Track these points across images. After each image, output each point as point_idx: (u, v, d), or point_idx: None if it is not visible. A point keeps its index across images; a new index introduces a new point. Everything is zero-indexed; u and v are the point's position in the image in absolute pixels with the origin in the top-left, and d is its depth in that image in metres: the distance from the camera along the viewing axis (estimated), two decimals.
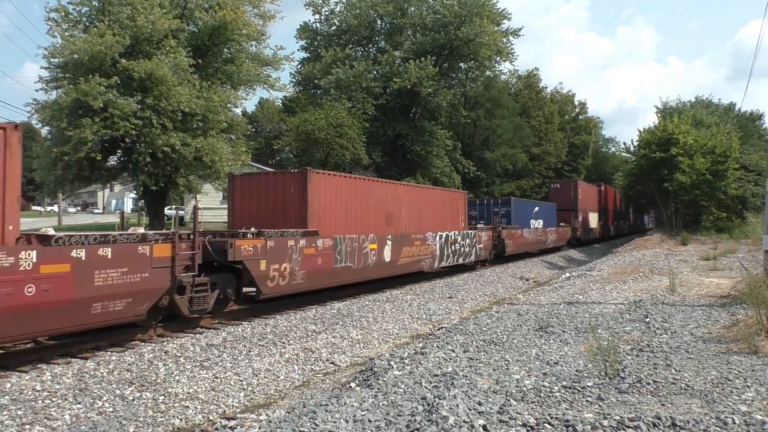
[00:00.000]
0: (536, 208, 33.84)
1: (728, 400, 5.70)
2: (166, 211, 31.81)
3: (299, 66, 39.78)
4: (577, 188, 41.56)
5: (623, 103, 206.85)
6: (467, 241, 22.84)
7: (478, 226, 25.63)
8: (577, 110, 68.98)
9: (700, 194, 34.97)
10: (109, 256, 8.76)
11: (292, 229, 13.43)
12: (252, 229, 12.75)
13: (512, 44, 40.48)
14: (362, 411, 5.60)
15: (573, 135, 62.86)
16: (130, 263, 9.14)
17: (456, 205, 22.96)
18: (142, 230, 10.92)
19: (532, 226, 31.87)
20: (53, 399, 7.20)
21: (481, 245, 24.27)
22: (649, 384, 6.23)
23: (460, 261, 22.36)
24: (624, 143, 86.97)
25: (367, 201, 16.66)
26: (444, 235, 20.81)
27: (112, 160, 24.70)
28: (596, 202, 47.29)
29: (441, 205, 21.57)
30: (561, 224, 37.65)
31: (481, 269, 24.88)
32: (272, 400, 8.15)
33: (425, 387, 6.29)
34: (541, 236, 33.16)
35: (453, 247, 21.50)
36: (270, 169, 30.54)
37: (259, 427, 5.99)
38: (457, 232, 22.04)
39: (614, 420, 5.01)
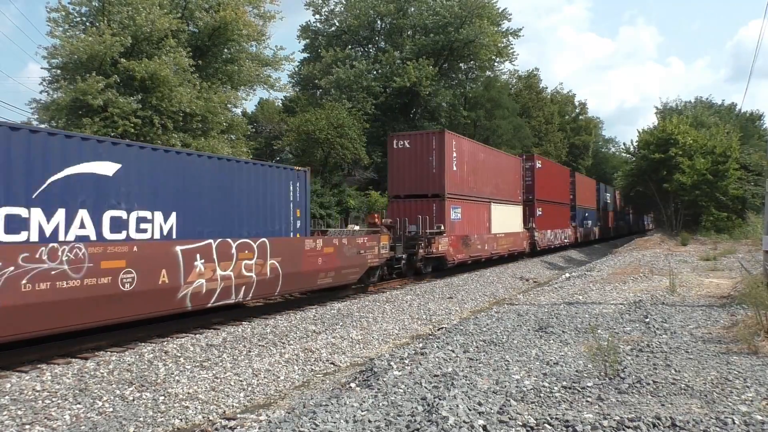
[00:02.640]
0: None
1: (728, 400, 5.70)
2: None
3: (299, 66, 39.82)
4: (443, 149, 19.75)
5: (624, 104, 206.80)
6: None
7: None
8: (577, 110, 69.10)
9: (700, 194, 34.97)
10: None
11: None
12: None
13: (512, 44, 40.59)
14: (362, 411, 5.60)
15: (573, 135, 62.93)
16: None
17: None
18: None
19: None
20: (53, 399, 7.20)
21: None
22: (649, 384, 6.23)
23: None
24: (624, 144, 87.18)
25: None
26: None
27: None
28: (518, 188, 28.05)
29: None
30: (371, 226, 18.03)
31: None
32: (272, 401, 8.16)
33: (425, 387, 6.29)
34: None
35: None
36: None
37: (259, 428, 6.00)
38: None
39: (614, 420, 5.01)
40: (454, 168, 20.60)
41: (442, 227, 19.59)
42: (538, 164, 31.17)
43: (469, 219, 22.06)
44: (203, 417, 7.36)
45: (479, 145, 24.74)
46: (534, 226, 29.60)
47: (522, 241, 27.92)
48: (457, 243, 20.63)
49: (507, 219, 26.07)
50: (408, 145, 20.36)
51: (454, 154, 20.62)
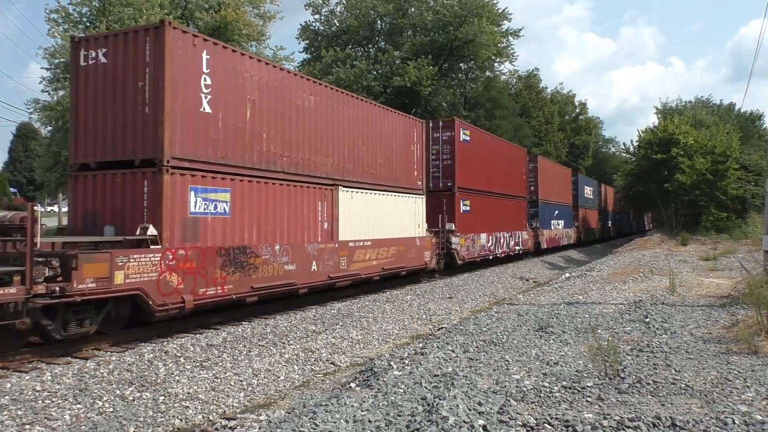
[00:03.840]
0: None
1: (728, 400, 5.70)
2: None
3: (300, 67, 39.84)
4: (162, 63, 9.64)
5: (624, 104, 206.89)
6: None
7: None
8: (577, 110, 69.10)
9: (700, 194, 35.00)
10: None
11: None
12: None
13: (512, 45, 40.64)
14: (362, 411, 5.61)
15: (573, 135, 62.92)
16: None
17: None
18: None
19: None
20: (53, 399, 7.20)
21: None
22: (649, 384, 6.23)
23: None
24: (624, 144, 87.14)
25: None
26: None
27: None
28: (415, 168, 18.48)
29: None
30: None
31: None
32: (272, 401, 8.16)
33: (425, 387, 6.29)
34: None
35: None
36: None
37: (259, 428, 6.00)
38: None
39: (614, 420, 5.01)
40: (207, 108, 10.55)
41: (150, 230, 9.50)
42: (464, 136, 20.94)
43: (261, 215, 11.85)
44: (203, 417, 7.37)
45: (303, 78, 13.56)
46: (453, 227, 20.42)
47: (422, 252, 18.35)
48: (198, 264, 10.22)
49: (384, 216, 16.54)
50: (104, 59, 10.40)
51: (206, 79, 10.55)
